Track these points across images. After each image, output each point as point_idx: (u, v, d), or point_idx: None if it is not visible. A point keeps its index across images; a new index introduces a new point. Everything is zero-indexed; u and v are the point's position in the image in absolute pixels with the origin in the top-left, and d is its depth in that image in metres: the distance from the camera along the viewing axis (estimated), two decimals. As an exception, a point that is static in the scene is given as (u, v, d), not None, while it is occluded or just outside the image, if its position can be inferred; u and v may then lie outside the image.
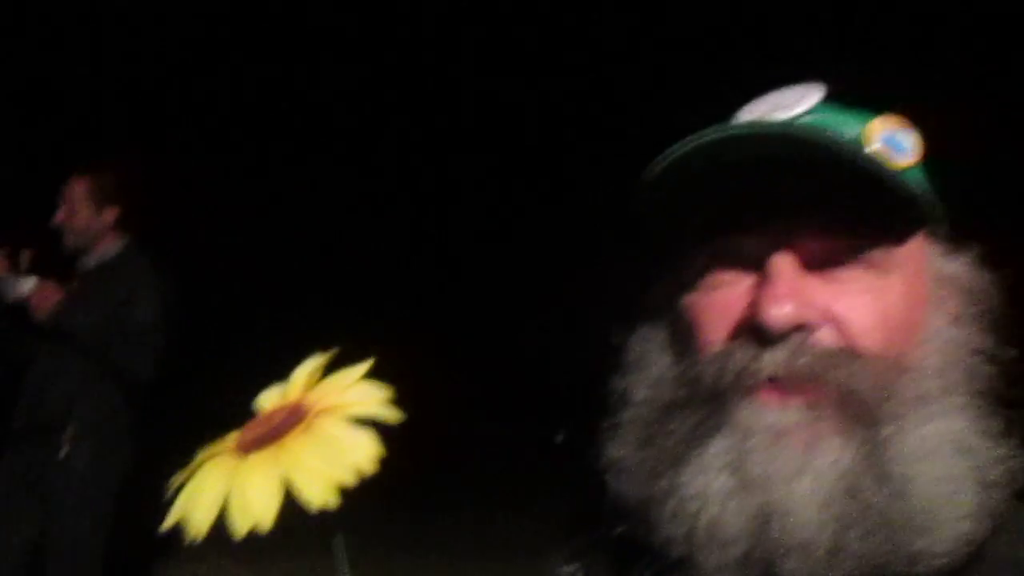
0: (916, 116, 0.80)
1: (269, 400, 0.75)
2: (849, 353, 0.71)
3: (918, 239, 0.77)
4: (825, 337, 0.72)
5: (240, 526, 0.59)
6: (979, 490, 0.70)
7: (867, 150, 0.75)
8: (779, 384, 0.71)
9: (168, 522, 0.65)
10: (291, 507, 0.63)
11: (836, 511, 0.67)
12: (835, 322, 0.72)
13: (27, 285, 3.46)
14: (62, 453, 3.45)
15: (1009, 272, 0.80)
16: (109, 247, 3.62)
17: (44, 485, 3.45)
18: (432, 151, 9.99)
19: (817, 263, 0.73)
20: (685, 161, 0.73)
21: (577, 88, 9.27)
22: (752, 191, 0.74)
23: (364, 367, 0.72)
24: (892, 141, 0.76)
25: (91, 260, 3.62)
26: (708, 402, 0.73)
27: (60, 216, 3.59)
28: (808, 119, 0.78)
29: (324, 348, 0.77)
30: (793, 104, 0.78)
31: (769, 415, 0.70)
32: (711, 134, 0.72)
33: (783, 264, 0.72)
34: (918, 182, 0.77)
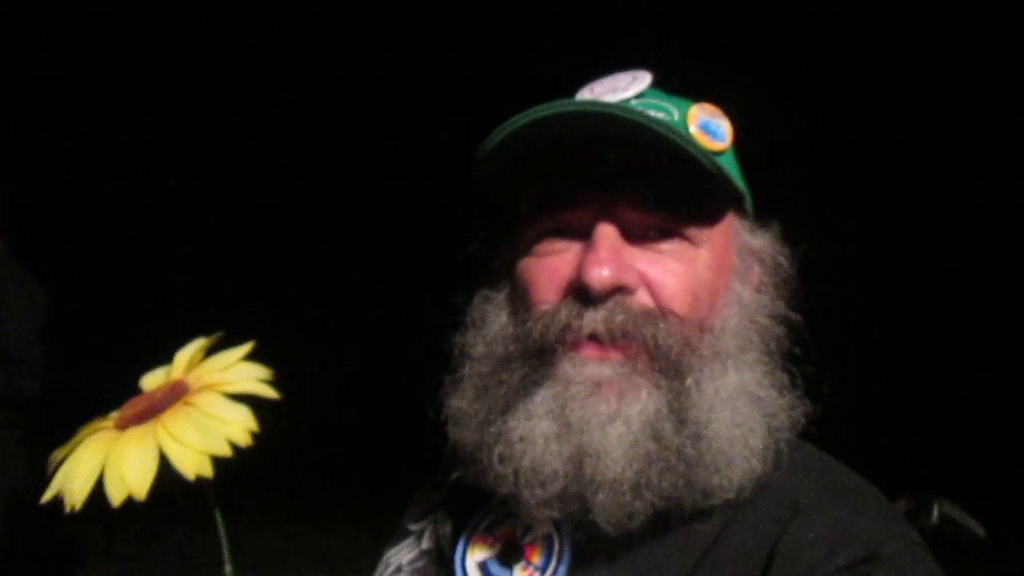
0: (729, 106, 0.88)
1: (153, 380, 0.78)
2: (660, 314, 0.79)
3: (727, 216, 0.85)
4: (640, 299, 0.79)
5: (116, 495, 0.62)
6: (767, 434, 0.79)
7: (685, 132, 0.82)
8: (598, 340, 0.78)
9: (47, 494, 0.67)
10: (175, 480, 0.66)
11: (641, 452, 0.75)
12: (649, 286, 0.80)
13: None
14: None
15: (802, 247, 0.89)
16: None
17: None
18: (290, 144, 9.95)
19: (636, 233, 0.81)
20: (518, 135, 0.79)
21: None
22: (581, 166, 0.81)
23: (244, 348, 0.76)
24: (708, 126, 0.84)
25: None
26: (536, 356, 0.80)
27: None
28: (637, 102, 0.85)
29: (207, 333, 0.81)
30: (626, 87, 0.86)
31: (588, 368, 0.78)
32: (542, 111, 0.78)
33: (605, 233, 0.79)
34: (728, 165, 0.85)
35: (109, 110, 8.84)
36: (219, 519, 0.71)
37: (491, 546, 0.86)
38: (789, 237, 0.90)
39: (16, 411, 3.38)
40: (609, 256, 0.78)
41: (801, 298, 0.88)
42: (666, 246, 0.81)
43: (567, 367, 0.78)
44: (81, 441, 0.69)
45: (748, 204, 0.88)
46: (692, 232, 0.81)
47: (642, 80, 0.86)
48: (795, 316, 0.87)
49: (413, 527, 0.98)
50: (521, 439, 0.78)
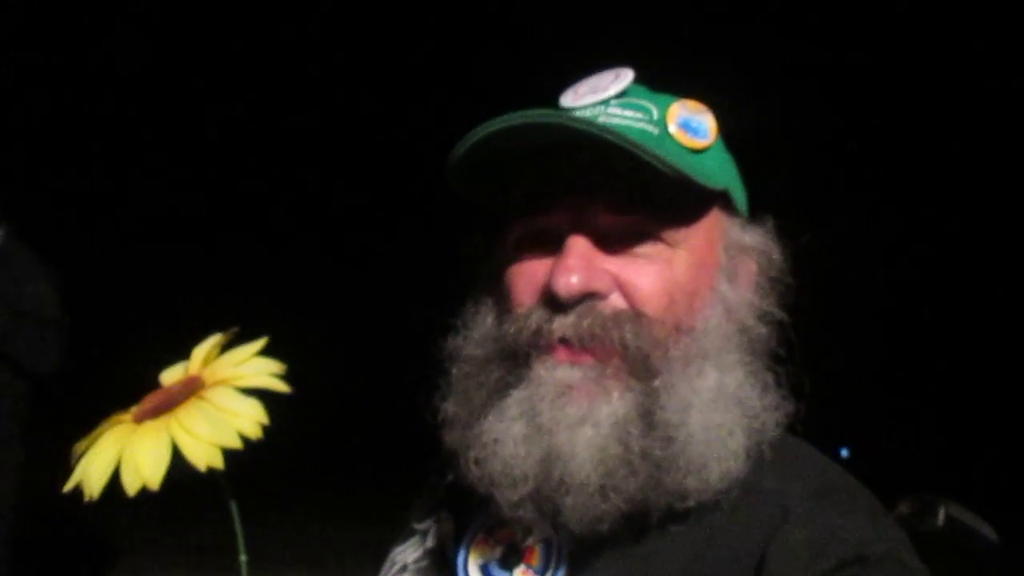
0: (716, 102, 0.88)
1: (171, 375, 0.80)
2: (632, 316, 0.80)
3: (710, 213, 0.85)
4: (613, 302, 0.81)
5: (131, 486, 0.65)
6: (748, 434, 0.80)
7: (661, 132, 0.83)
8: (569, 344, 0.79)
9: (69, 484, 0.70)
10: (190, 472, 0.68)
11: (609, 455, 0.77)
12: (622, 289, 0.81)
13: None
14: None
15: (804, 238, 0.90)
16: None
17: None
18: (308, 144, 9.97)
19: (610, 237, 0.82)
20: (488, 143, 0.80)
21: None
22: (555, 171, 0.82)
23: (257, 344, 0.78)
24: (688, 124, 0.84)
25: None
26: (511, 358, 0.82)
27: None
28: (617, 101, 0.85)
29: (223, 329, 0.83)
30: (606, 87, 0.86)
31: (559, 371, 0.79)
32: (497, 123, 0.79)
33: (575, 239, 0.81)
34: (712, 161, 0.85)
35: (123, 103, 8.91)
36: (233, 510, 0.74)
37: (492, 548, 0.88)
38: (786, 231, 0.90)
39: (21, 391, 3.40)
40: (578, 263, 0.80)
41: (798, 293, 0.89)
42: (641, 248, 0.82)
43: (539, 370, 0.80)
44: (101, 434, 0.71)
45: (737, 199, 0.88)
46: (667, 233, 0.82)
47: (623, 78, 0.87)
48: (782, 314, 0.87)
49: (418, 526, 1.00)
50: (494, 441, 0.80)
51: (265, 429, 0.69)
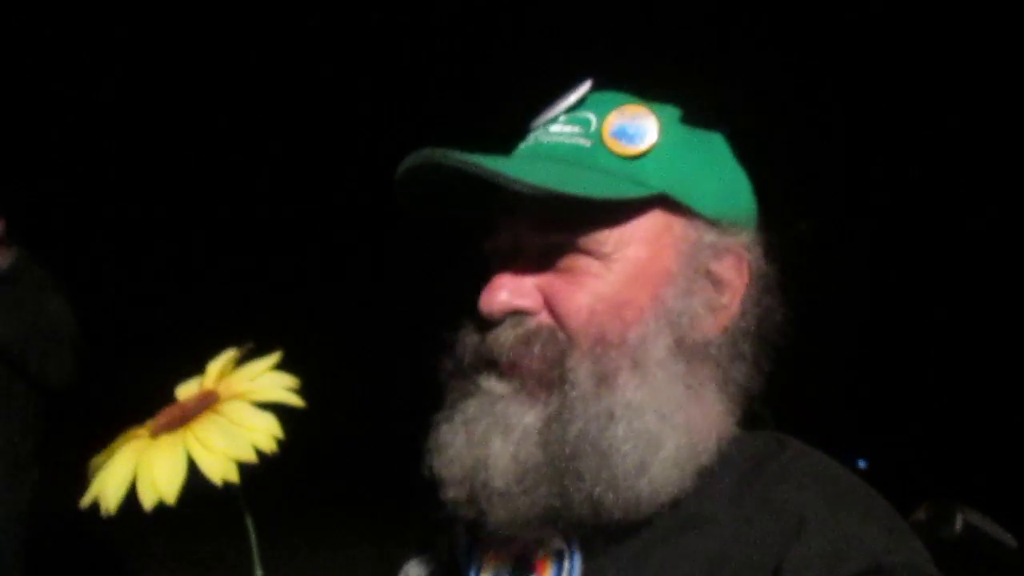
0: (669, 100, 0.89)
1: (186, 389, 0.81)
2: (550, 331, 0.83)
3: (653, 217, 0.84)
4: (540, 319, 0.84)
5: (147, 500, 0.65)
6: (680, 448, 0.80)
7: (597, 143, 0.84)
8: (501, 360, 0.83)
9: (86, 499, 0.70)
10: (206, 486, 0.69)
11: (525, 465, 0.80)
12: (548, 305, 0.84)
13: None
14: None
15: (799, 228, 0.90)
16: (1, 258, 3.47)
17: None
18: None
19: (543, 255, 0.84)
20: (417, 179, 0.84)
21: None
22: (490, 194, 0.84)
23: (272, 358, 0.79)
24: (623, 132, 0.84)
25: None
26: (460, 375, 0.87)
27: None
28: (565, 116, 0.87)
29: (238, 343, 0.84)
30: (563, 101, 0.88)
31: (491, 384, 0.84)
32: (407, 163, 0.82)
33: (505, 258, 0.85)
34: (656, 164, 0.83)
35: (139, 116, 8.94)
36: (249, 524, 0.74)
37: (503, 560, 0.89)
38: (777, 227, 0.90)
39: (40, 407, 3.42)
40: (504, 282, 0.84)
41: (802, 290, 0.89)
42: (570, 263, 0.83)
43: (476, 384, 0.85)
44: (117, 448, 0.72)
45: (696, 198, 0.85)
46: (597, 246, 0.83)
47: (579, 91, 0.88)
48: (773, 313, 0.87)
49: (431, 538, 1.00)
50: (440, 448, 0.85)
51: (280, 443, 0.69)
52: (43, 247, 3.67)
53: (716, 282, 0.85)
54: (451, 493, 0.84)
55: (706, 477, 0.83)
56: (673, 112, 0.88)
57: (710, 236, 0.85)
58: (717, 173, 0.88)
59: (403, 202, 0.89)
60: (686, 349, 0.82)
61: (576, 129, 0.86)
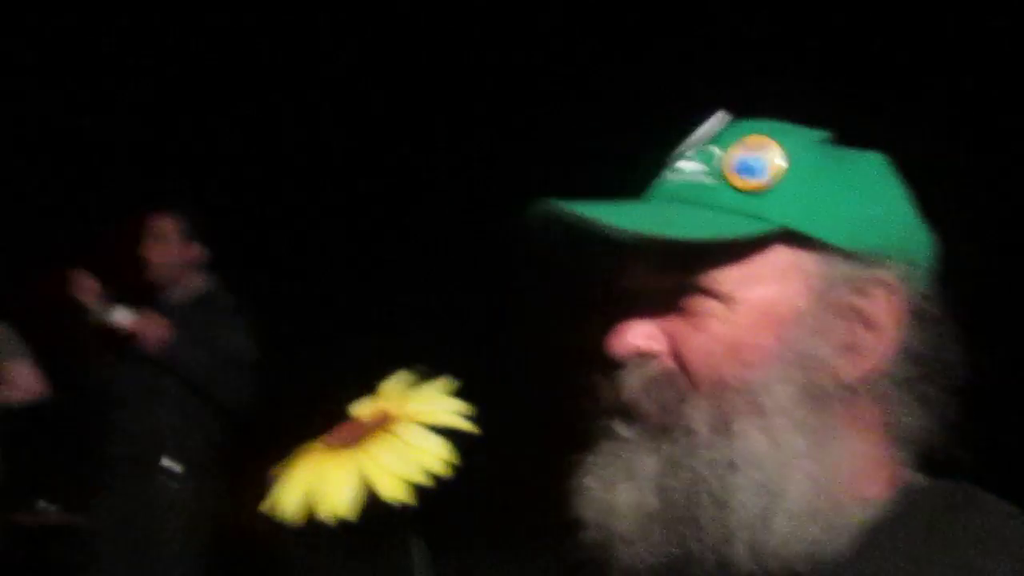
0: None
1: (360, 408, 0.83)
2: (675, 375, 0.80)
3: (781, 254, 0.79)
4: (663, 363, 0.81)
5: (322, 513, 0.67)
6: (808, 496, 0.74)
7: (717, 180, 0.81)
8: (627, 403, 0.81)
9: (263, 510, 0.73)
10: (379, 507, 0.70)
11: (645, 512, 0.78)
12: (673, 349, 0.80)
13: (123, 315, 3.48)
14: (165, 484, 3.49)
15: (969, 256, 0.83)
16: (196, 282, 3.68)
17: (146, 518, 3.46)
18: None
19: (664, 296, 0.81)
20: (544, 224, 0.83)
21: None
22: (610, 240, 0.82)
23: (445, 383, 0.80)
24: (744, 165, 0.80)
25: (176, 294, 3.66)
26: (592, 417, 0.85)
27: (146, 250, 3.62)
28: (692, 152, 0.85)
29: (411, 366, 0.86)
30: (702, 136, 0.86)
31: (617, 428, 0.82)
32: (528, 217, 0.82)
33: (631, 299, 0.83)
34: (781, 197, 0.79)
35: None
36: (417, 547, 0.75)
37: None
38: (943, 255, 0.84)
39: (224, 427, 3.62)
40: (628, 325, 0.82)
41: (963, 322, 0.80)
42: (688, 305, 0.80)
43: (606, 427, 0.84)
44: (295, 461, 0.74)
45: (835, 233, 0.79)
46: (714, 286, 0.79)
47: (707, 124, 0.86)
48: (936, 349, 0.80)
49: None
50: (579, 489, 0.85)
51: (452, 467, 0.70)
52: (225, 269, 3.88)
53: (860, 320, 0.79)
54: (587, 536, 0.83)
55: (871, 534, 0.76)
56: (805, 140, 0.84)
57: (848, 269, 0.79)
58: (857, 200, 0.81)
59: (536, 248, 0.89)
60: (818, 393, 0.77)
61: (700, 166, 0.83)
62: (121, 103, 7.68)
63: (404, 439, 0.70)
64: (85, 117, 7.30)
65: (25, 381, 3.85)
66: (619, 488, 0.81)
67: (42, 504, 5.47)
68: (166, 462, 3.52)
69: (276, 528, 0.74)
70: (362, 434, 0.73)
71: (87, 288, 3.52)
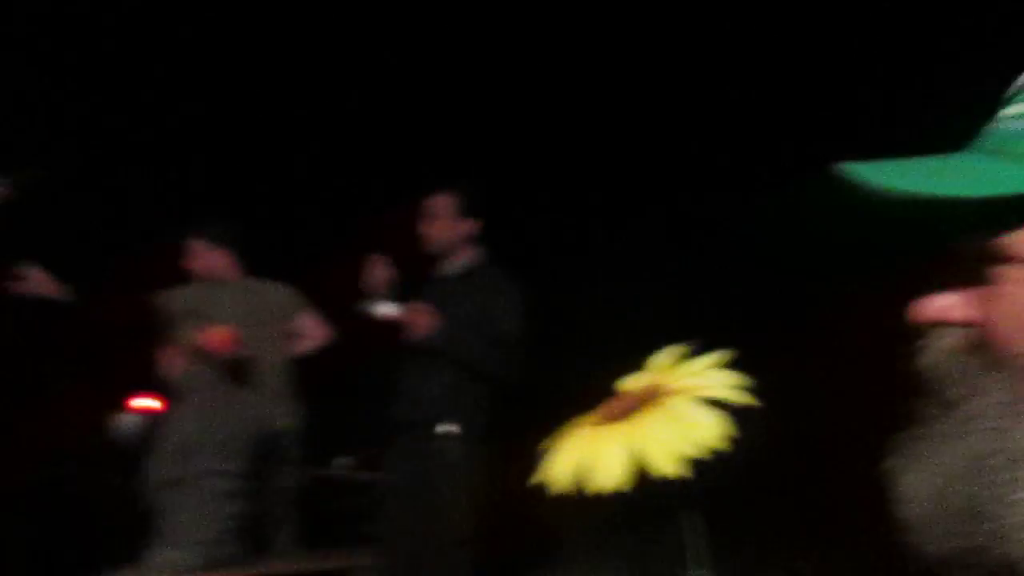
0: None
1: (630, 383, 0.81)
2: (979, 348, 0.71)
3: None
4: (967, 333, 0.72)
5: (591, 486, 0.66)
6: None
7: None
8: (926, 377, 0.74)
9: (534, 479, 0.73)
10: (651, 481, 0.68)
11: (926, 502, 0.71)
12: (977, 318, 0.71)
13: (389, 308, 3.75)
14: (442, 445, 3.70)
15: None
16: (467, 257, 3.86)
17: (426, 474, 3.72)
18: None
19: (973, 262, 0.71)
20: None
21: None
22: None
23: (718, 356, 0.76)
24: None
25: (449, 268, 3.88)
26: (892, 392, 0.80)
27: (424, 226, 3.88)
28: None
29: (683, 339, 0.82)
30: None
31: (916, 406, 0.74)
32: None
33: (939, 265, 0.75)
34: None
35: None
36: (689, 520, 0.72)
37: None
38: None
39: (492, 394, 3.79)
40: (937, 294, 0.74)
41: None
42: (993, 271, 0.70)
43: (908, 404, 0.78)
44: (566, 435, 0.74)
45: None
46: (1013, 250, 0.68)
47: None
48: None
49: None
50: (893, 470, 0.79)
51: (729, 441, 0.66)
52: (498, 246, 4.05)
53: None
54: (900, 520, 0.78)
55: None
56: None
57: None
58: None
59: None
60: None
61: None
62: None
63: (678, 413, 0.67)
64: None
65: (313, 331, 4.33)
66: (907, 476, 0.75)
67: (339, 460, 6.11)
68: (442, 427, 3.76)
69: (547, 498, 0.74)
70: (633, 409, 0.71)
71: (380, 277, 3.84)
